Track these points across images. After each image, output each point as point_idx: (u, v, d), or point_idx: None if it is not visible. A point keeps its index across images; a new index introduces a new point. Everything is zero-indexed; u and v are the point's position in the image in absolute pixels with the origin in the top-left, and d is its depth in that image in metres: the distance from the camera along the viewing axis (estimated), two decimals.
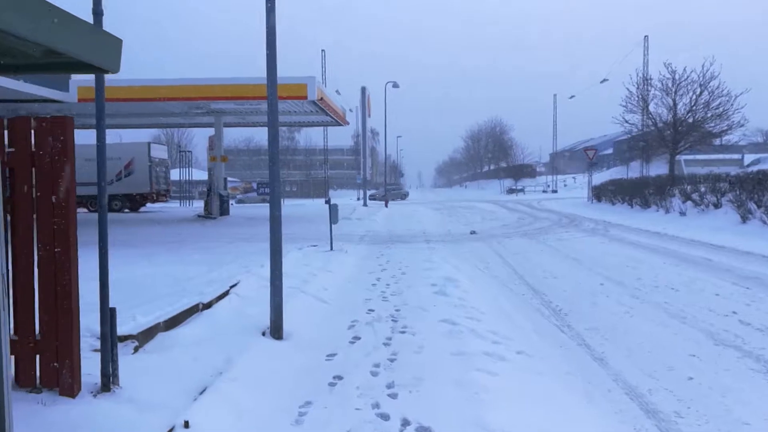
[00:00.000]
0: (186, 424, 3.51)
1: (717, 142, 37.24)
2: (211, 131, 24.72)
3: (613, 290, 8.47)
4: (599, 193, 30.65)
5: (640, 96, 30.81)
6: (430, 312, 6.95)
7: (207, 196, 24.43)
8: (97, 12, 3.71)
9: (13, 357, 3.66)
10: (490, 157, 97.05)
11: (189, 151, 42.14)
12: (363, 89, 36.55)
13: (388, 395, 4.37)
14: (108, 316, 3.81)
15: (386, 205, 35.58)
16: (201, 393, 4.07)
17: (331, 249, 12.24)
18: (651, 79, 31.75)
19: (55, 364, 3.62)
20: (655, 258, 11.58)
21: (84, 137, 33.47)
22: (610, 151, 74.51)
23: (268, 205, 5.91)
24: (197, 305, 6.23)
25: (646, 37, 52.05)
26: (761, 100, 34.54)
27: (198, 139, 70.30)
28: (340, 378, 4.75)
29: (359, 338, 5.90)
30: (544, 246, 14.20)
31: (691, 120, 28.30)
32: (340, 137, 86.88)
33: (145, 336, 5.03)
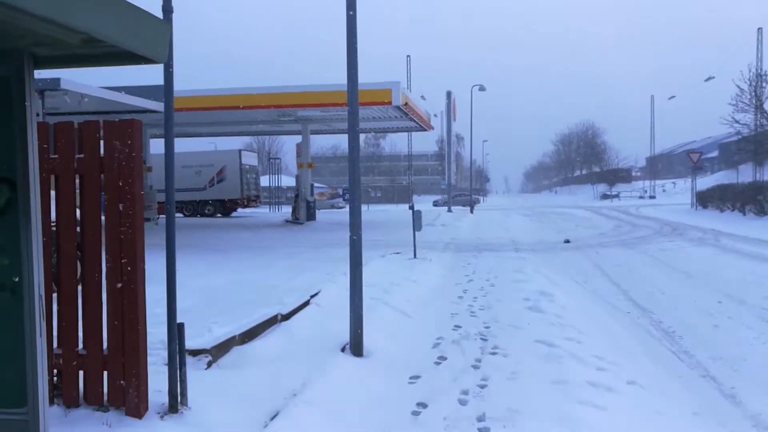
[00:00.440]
0: None
1: None
2: (299, 139, 25.10)
3: (736, 310, 7.44)
4: (705, 199, 28.26)
5: (753, 93, 28.17)
6: (524, 330, 6.33)
7: (294, 201, 24.79)
8: (167, 9, 3.47)
9: (81, 372, 3.49)
10: (582, 162, 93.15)
11: (278, 158, 43.32)
12: (448, 93, 35.97)
13: (479, 430, 3.84)
14: (175, 332, 3.55)
15: (471, 211, 34.74)
16: (272, 418, 3.74)
17: (415, 257, 11.80)
18: (766, 74, 28.98)
19: (122, 381, 3.40)
20: None
21: (180, 145, 35.16)
22: (714, 154, 69.25)
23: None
24: (276, 316, 5.98)
25: (759, 29, 47.79)
26: None
27: (288, 146, 72.27)
28: (424, 406, 4.27)
29: (445, 359, 5.39)
30: (646, 257, 13.03)
31: None
32: (425, 143, 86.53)
33: (220, 350, 4.79)
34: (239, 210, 34.12)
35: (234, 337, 5.05)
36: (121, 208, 3.39)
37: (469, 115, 37.53)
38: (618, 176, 74.39)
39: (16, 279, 2.80)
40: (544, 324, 6.56)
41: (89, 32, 1.79)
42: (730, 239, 15.93)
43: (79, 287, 3.48)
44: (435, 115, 33.19)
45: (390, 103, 18.34)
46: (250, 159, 34.20)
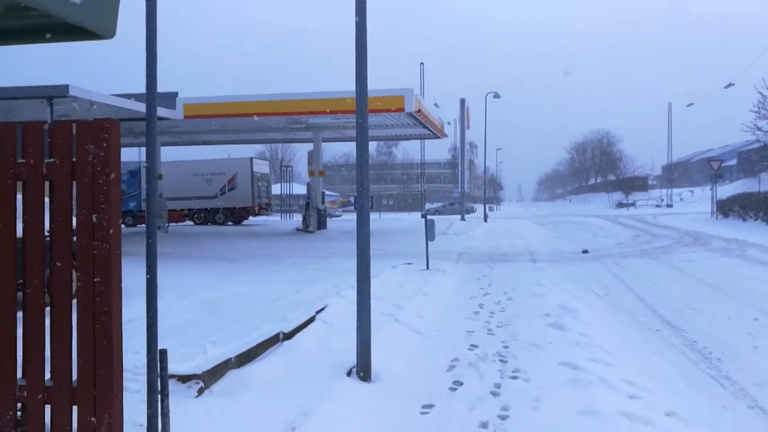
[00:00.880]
0: None
1: None
2: (311, 146, 24.81)
3: None
4: (726, 208, 27.49)
5: None
6: (546, 351, 5.84)
7: (305, 210, 24.47)
8: None
9: (48, 406, 3.08)
10: (597, 170, 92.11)
11: (290, 167, 43.11)
12: (462, 101, 35.56)
13: None
14: (156, 360, 3.13)
15: (485, 220, 34.18)
16: None
17: (428, 268, 11.34)
18: None
19: (93, 419, 2.98)
20: None
21: (192, 153, 35.04)
22: (733, 162, 68.01)
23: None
24: (277, 335, 5.55)
25: None
26: None
27: (301, 155, 72.15)
28: None
29: (461, 383, 4.92)
30: (670, 268, 12.45)
31: None
32: (438, 151, 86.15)
33: (213, 375, 4.37)
34: (250, 218, 33.89)
35: (230, 359, 4.63)
36: (94, 219, 2.98)
37: (483, 123, 37.08)
38: (634, 184, 73.34)
39: None
40: (568, 343, 6.07)
41: None
42: (756, 249, 15.27)
43: (47, 309, 3.07)
44: (448, 123, 32.81)
45: (403, 109, 17.97)
46: (261, 167, 33.99)
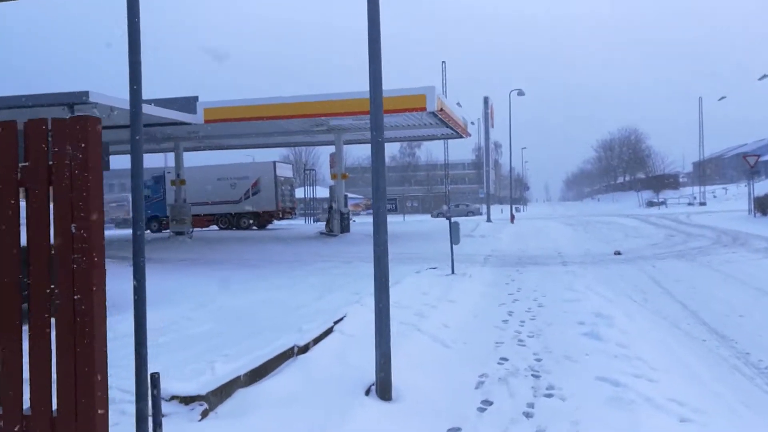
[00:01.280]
0: None
1: None
2: (334, 149, 24.55)
3: None
4: (765, 206, 26.40)
5: None
6: (582, 364, 5.38)
7: (328, 213, 24.21)
8: None
9: None
10: (625, 168, 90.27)
11: (313, 170, 43.01)
12: (485, 99, 34.95)
13: None
14: (146, 386, 2.79)
15: (512, 221, 33.51)
16: None
17: (453, 272, 10.90)
18: None
19: None
20: None
21: (215, 158, 35.09)
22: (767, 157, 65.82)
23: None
24: (292, 349, 5.19)
25: None
26: None
27: (325, 157, 72.17)
28: None
29: (491, 403, 4.49)
30: (710, 270, 11.78)
31: None
32: (461, 151, 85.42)
33: (220, 394, 4.02)
34: (275, 222, 33.83)
35: (239, 377, 4.28)
36: (73, 229, 2.65)
37: (508, 122, 36.42)
38: (664, 182, 71.62)
39: None
40: (606, 356, 5.59)
41: None
42: None
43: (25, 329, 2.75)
44: (472, 123, 32.21)
45: (424, 109, 17.55)
46: (284, 171, 33.93)
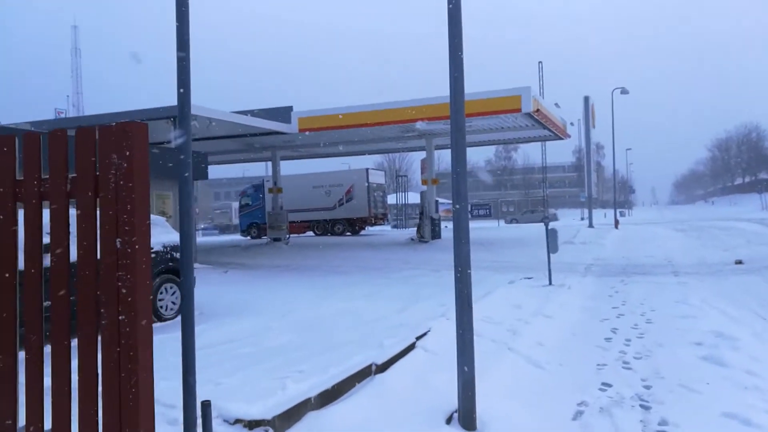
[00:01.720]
0: None
1: None
2: (425, 154, 24.27)
3: None
4: None
5: None
6: (703, 395, 4.63)
7: (419, 219, 23.91)
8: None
9: None
10: (745, 168, 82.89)
11: (405, 176, 42.97)
12: (586, 99, 33.18)
13: None
14: (194, 415, 2.54)
15: (616, 227, 31.51)
16: None
17: (550, 283, 10.16)
18: None
19: None
20: None
21: (312, 166, 35.97)
22: None
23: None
24: (369, 367, 4.86)
25: None
26: None
27: (417, 163, 72.14)
28: None
29: None
30: None
31: None
32: (561, 154, 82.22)
33: (289, 418, 3.76)
34: (368, 228, 34.06)
35: (309, 399, 4.00)
36: (118, 244, 2.47)
37: (611, 123, 34.38)
38: None
39: None
40: (731, 385, 4.81)
41: None
42: None
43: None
44: (571, 124, 30.69)
45: (519, 110, 16.80)
46: (377, 177, 34.13)
